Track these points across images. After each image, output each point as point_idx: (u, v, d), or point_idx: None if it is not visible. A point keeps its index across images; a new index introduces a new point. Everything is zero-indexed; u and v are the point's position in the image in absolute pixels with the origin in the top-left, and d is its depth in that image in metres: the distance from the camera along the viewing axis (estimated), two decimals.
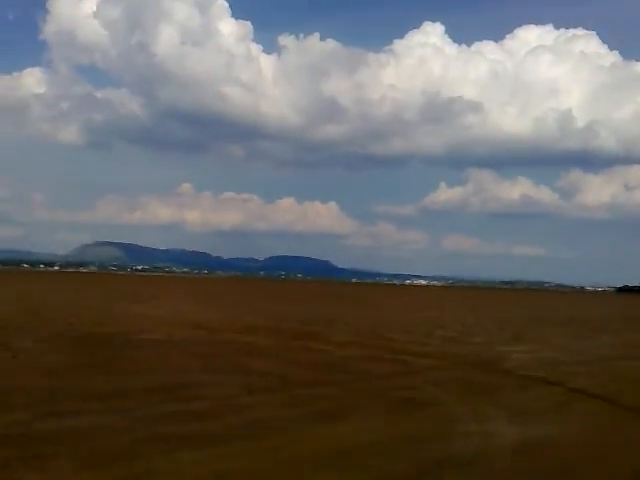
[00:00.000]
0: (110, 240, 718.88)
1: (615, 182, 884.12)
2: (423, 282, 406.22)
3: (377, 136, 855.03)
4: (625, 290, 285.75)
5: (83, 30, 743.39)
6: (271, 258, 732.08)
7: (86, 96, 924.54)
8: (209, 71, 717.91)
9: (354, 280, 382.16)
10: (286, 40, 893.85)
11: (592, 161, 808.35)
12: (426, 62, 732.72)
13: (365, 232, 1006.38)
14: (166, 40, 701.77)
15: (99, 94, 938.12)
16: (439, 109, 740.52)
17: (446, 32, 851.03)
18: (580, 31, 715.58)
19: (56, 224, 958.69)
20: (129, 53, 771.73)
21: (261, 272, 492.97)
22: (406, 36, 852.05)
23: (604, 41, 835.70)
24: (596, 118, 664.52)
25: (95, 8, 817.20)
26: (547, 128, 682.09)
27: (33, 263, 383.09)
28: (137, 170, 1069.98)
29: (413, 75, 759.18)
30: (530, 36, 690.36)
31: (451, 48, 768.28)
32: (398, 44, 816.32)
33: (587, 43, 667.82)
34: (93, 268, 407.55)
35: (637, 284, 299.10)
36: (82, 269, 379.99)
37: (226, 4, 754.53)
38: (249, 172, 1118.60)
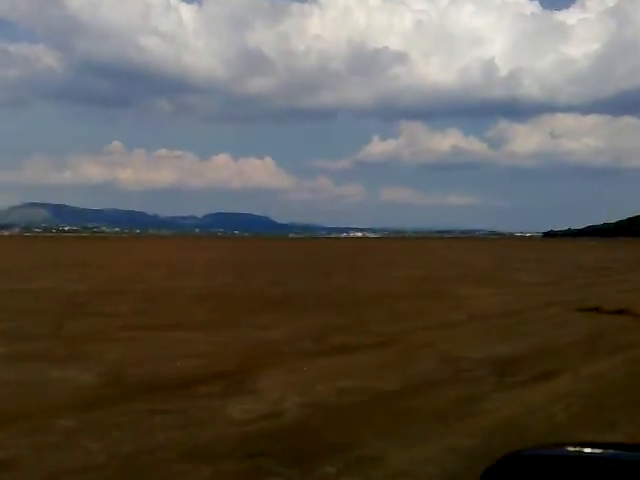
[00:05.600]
0: (39, 201, 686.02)
1: (541, 130, 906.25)
2: (359, 234, 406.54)
3: (306, 88, 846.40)
4: (550, 235, 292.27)
5: None
6: (210, 215, 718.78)
7: None
8: (125, 21, 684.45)
9: (291, 235, 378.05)
10: None
11: (518, 110, 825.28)
12: (350, 12, 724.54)
13: (303, 187, 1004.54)
14: None
15: (12, 49, 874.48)
16: (365, 60, 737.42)
17: None
18: None
19: None
20: (39, 4, 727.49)
21: (196, 229, 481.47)
22: None
23: None
24: (519, 66, 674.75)
25: None
26: (471, 77, 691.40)
27: None
28: (62, 128, 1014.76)
29: (338, 26, 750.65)
30: None
31: None
32: None
33: None
34: (17, 230, 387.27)
35: (563, 229, 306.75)
36: (4, 232, 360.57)
37: None
38: (180, 128, 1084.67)
